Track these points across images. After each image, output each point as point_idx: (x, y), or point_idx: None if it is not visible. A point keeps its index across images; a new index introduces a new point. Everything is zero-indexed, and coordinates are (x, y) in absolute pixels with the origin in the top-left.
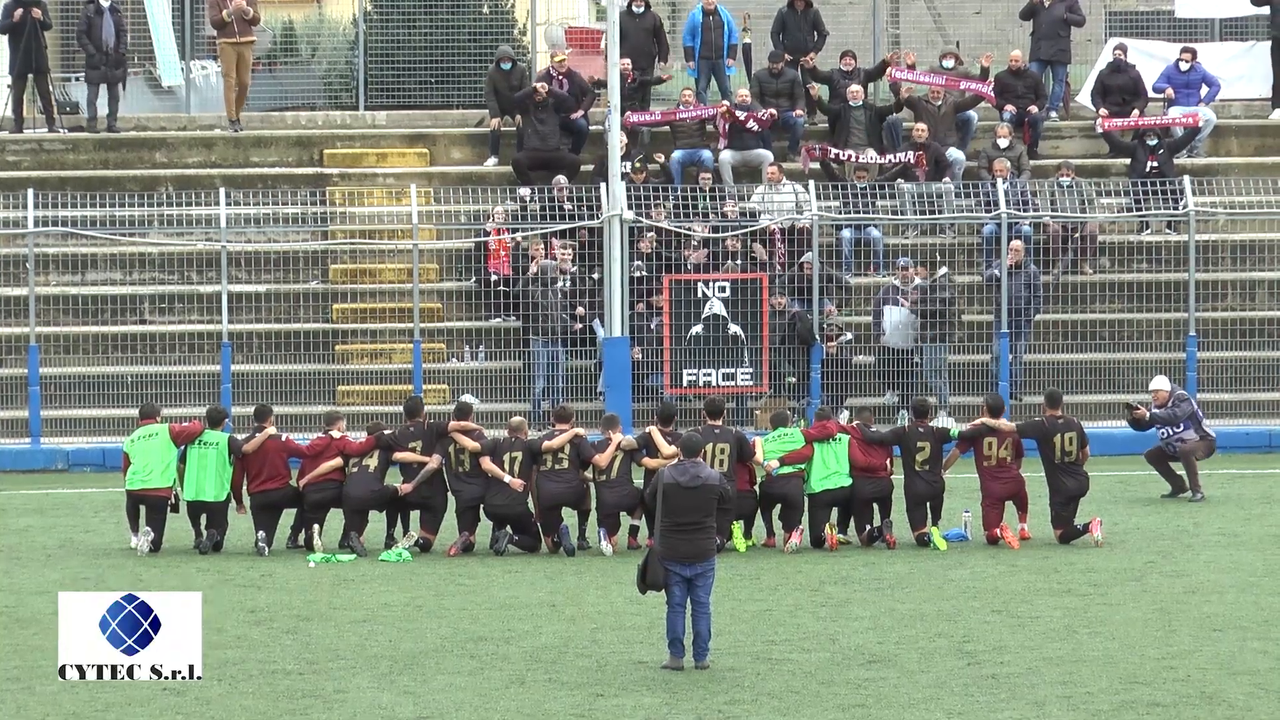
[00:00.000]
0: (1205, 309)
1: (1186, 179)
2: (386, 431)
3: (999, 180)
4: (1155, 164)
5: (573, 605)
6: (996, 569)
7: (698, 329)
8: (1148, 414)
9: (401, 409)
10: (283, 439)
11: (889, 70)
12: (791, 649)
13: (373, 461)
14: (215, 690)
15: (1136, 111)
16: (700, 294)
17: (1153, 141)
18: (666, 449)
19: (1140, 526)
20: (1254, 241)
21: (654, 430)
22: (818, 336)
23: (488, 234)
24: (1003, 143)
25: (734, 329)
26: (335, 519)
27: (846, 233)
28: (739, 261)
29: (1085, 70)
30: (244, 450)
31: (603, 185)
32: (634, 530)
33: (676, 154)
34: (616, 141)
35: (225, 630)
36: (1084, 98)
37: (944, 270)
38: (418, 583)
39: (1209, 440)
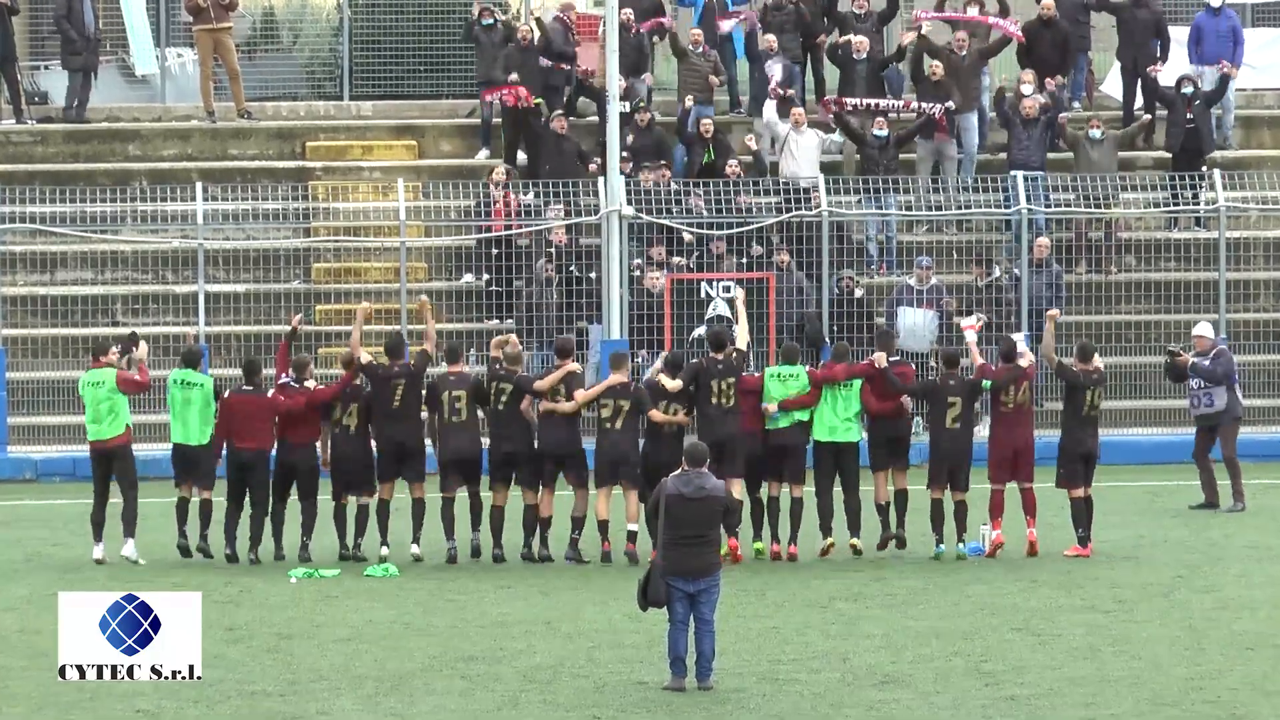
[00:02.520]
0: (1236, 310)
1: (1217, 173)
2: (365, 359)
3: (1020, 176)
4: (1191, 117)
5: (569, 622)
6: (1016, 584)
7: (700, 330)
8: (1190, 361)
9: (383, 348)
10: (268, 395)
11: (915, 12)
12: (800, 669)
13: (354, 421)
14: (192, 712)
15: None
16: (704, 294)
17: (1188, 90)
18: (671, 383)
19: (1168, 539)
20: None
21: (661, 376)
22: (827, 339)
23: (485, 197)
24: (1026, 89)
25: (736, 330)
26: (321, 530)
27: (871, 230)
28: (743, 260)
29: (1109, 59)
30: (225, 397)
31: (600, 180)
32: (631, 535)
33: (680, 110)
34: (615, 135)
35: (202, 649)
36: (1108, 87)
37: (999, 270)
38: (405, 599)
39: (1238, 411)
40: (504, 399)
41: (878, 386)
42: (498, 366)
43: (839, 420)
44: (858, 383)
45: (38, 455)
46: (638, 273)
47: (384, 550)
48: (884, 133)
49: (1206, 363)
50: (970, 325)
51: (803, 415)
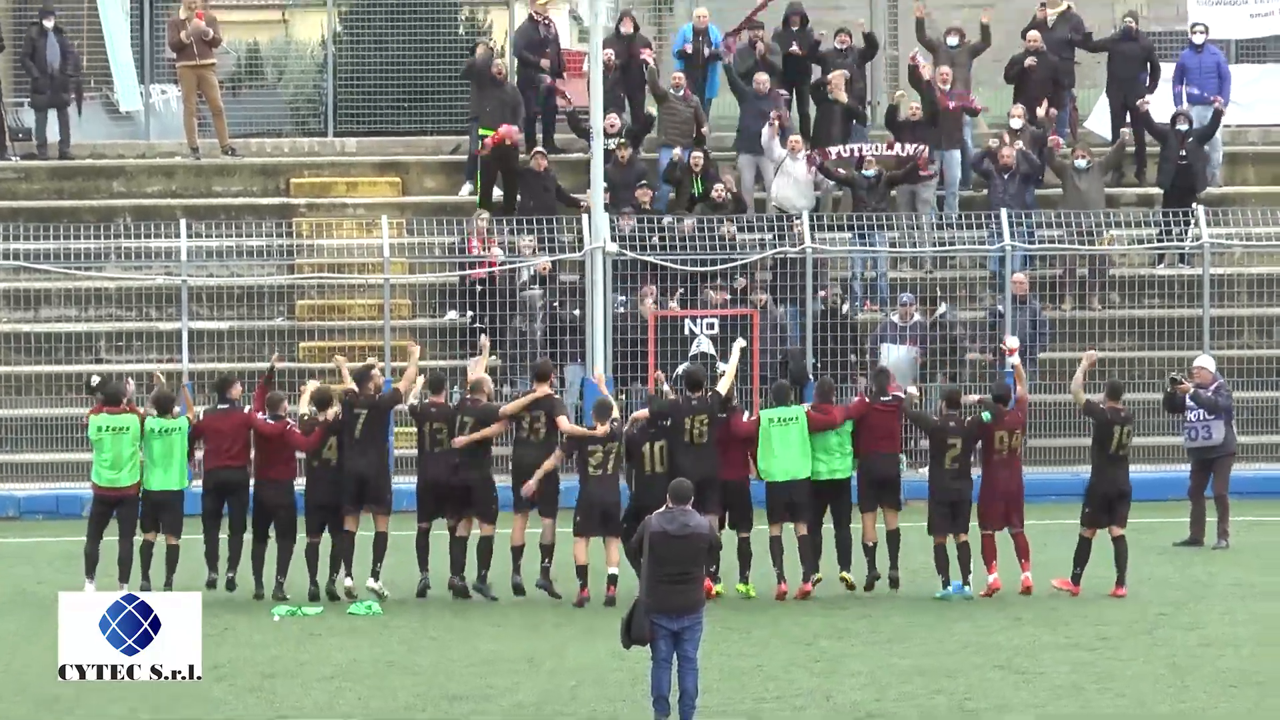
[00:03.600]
0: (1220, 346)
1: (1201, 209)
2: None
3: (1004, 213)
4: (1184, 153)
5: (553, 660)
6: (1000, 622)
7: (685, 367)
8: (1191, 389)
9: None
10: (244, 410)
11: (913, 53)
12: (783, 706)
13: (333, 455)
14: None
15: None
16: (687, 331)
17: (1183, 126)
18: (640, 412)
19: (1152, 576)
20: (1271, 275)
21: (640, 413)
22: (810, 376)
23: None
24: (1016, 124)
25: (723, 368)
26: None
27: (856, 267)
28: (728, 296)
29: (1095, 94)
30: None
31: (584, 218)
32: (611, 579)
33: (661, 153)
34: (600, 171)
35: (184, 687)
36: (1092, 123)
37: (944, 308)
38: (389, 636)
39: (1234, 446)
40: (466, 431)
41: (869, 426)
42: (465, 398)
43: (835, 460)
44: (850, 421)
45: (20, 493)
46: (621, 309)
47: (348, 581)
48: (872, 172)
49: (1208, 393)
50: (1012, 348)
51: (808, 463)
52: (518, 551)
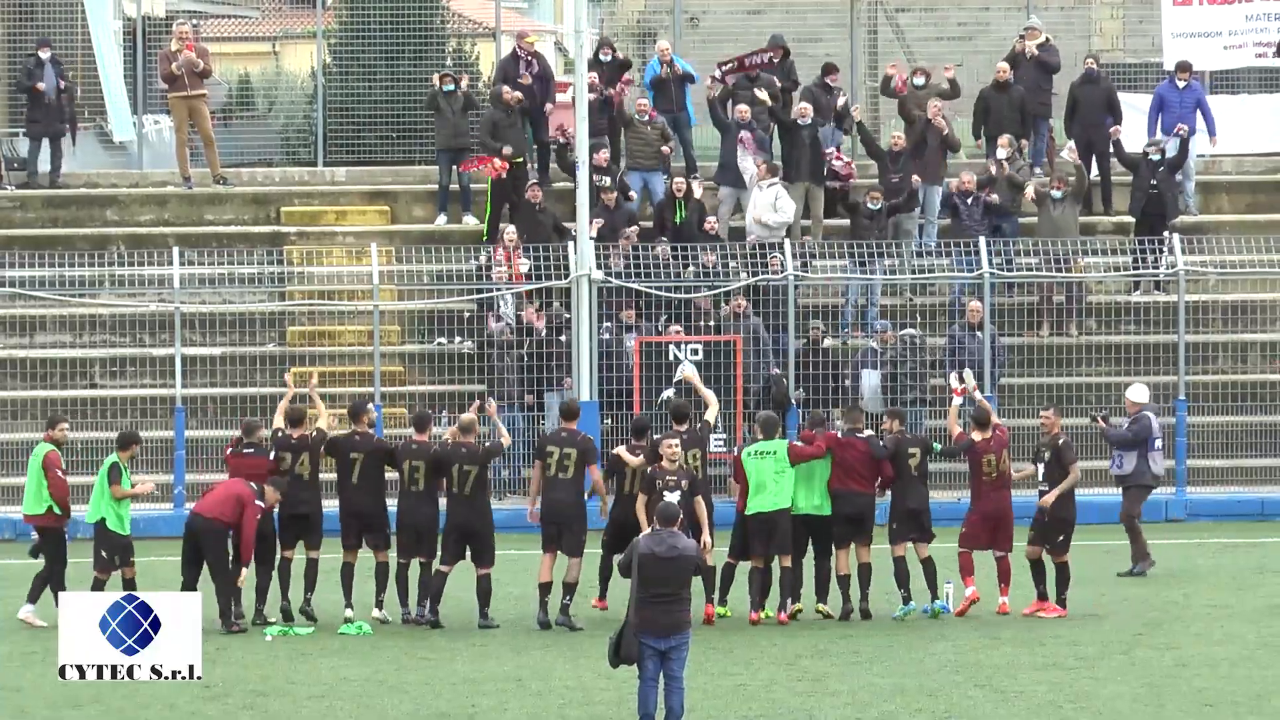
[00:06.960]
0: (1195, 372)
1: (1176, 237)
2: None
3: (982, 241)
4: (1154, 182)
5: (539, 680)
6: (979, 641)
7: (669, 393)
8: (1102, 428)
9: (346, 412)
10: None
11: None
12: None
13: (305, 470)
14: None
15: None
16: (672, 356)
17: (1155, 157)
18: (633, 460)
19: (1128, 598)
20: (1245, 302)
21: (621, 450)
22: (792, 400)
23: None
24: (1002, 153)
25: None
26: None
27: (852, 294)
28: (711, 323)
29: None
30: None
31: (570, 245)
32: None
33: (629, 179)
34: (585, 199)
35: (178, 706)
36: (1069, 153)
37: (908, 331)
38: (378, 656)
39: (1147, 479)
40: (469, 482)
41: (840, 463)
42: (460, 447)
43: (818, 497)
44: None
45: (17, 515)
46: (606, 335)
47: (348, 612)
48: (878, 205)
49: (1121, 428)
50: (958, 389)
51: (787, 493)
52: (546, 588)
